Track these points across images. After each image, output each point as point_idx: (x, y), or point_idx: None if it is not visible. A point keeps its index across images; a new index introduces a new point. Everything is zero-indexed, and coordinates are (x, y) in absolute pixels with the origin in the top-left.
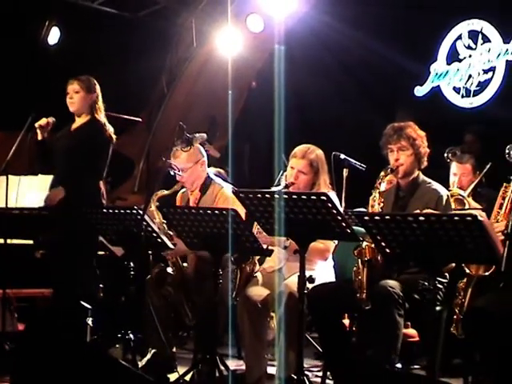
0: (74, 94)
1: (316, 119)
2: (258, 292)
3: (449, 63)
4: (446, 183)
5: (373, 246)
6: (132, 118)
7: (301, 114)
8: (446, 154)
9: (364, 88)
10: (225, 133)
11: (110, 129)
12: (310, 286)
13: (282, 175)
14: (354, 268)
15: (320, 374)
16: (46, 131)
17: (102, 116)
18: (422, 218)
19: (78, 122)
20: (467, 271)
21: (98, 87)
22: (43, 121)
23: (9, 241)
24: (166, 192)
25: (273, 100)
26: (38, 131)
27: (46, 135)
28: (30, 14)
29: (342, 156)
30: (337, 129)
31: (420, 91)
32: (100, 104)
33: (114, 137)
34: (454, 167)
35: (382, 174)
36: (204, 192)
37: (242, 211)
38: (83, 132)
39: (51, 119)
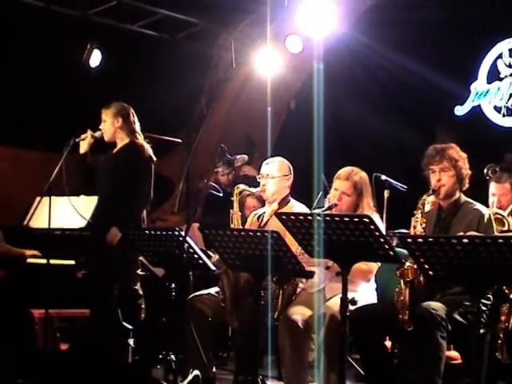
0: (103, 123)
1: (355, 140)
2: (299, 312)
3: (489, 82)
4: (486, 204)
5: (415, 266)
6: (172, 138)
7: (339, 134)
8: (485, 171)
9: (403, 108)
10: (263, 153)
11: (149, 150)
12: (351, 307)
13: (321, 196)
14: (396, 289)
15: None
16: (87, 143)
17: (140, 138)
18: (465, 241)
19: (118, 146)
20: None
21: (128, 111)
22: (84, 135)
23: (51, 261)
24: (248, 189)
25: (311, 120)
26: (80, 143)
27: (86, 148)
28: (71, 37)
29: (383, 177)
30: (376, 149)
31: (460, 111)
32: (135, 127)
33: (154, 158)
34: (493, 187)
35: (425, 196)
36: (282, 208)
37: None
38: (122, 155)
39: (90, 132)
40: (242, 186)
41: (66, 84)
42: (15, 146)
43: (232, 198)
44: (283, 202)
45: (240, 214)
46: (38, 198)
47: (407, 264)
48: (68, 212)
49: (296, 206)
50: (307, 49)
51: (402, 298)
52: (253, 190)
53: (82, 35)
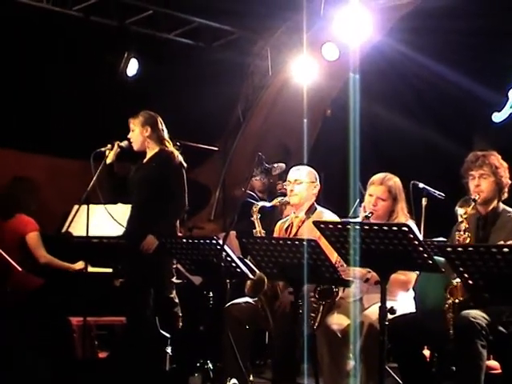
0: (131, 133)
1: (391, 147)
2: (337, 322)
3: None
4: None
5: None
6: (208, 146)
7: (375, 142)
8: None
9: (440, 115)
10: (298, 161)
11: (179, 157)
12: (390, 316)
13: (358, 204)
14: (445, 306)
15: None
16: (114, 153)
17: (169, 146)
18: (505, 250)
19: (148, 155)
20: None
21: (156, 120)
22: (110, 145)
23: (89, 269)
24: (267, 204)
25: (347, 128)
26: (107, 153)
27: (113, 158)
28: (109, 46)
29: (421, 185)
30: (412, 157)
31: (498, 117)
32: (164, 134)
33: (184, 164)
34: None
35: (468, 209)
36: (309, 216)
37: None
38: (153, 163)
39: (117, 142)
40: (260, 203)
41: (103, 93)
42: (53, 154)
43: (253, 218)
44: (310, 210)
45: (264, 231)
46: (75, 207)
47: (455, 281)
48: (105, 220)
49: (325, 213)
50: (343, 56)
51: (450, 314)
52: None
53: (119, 45)
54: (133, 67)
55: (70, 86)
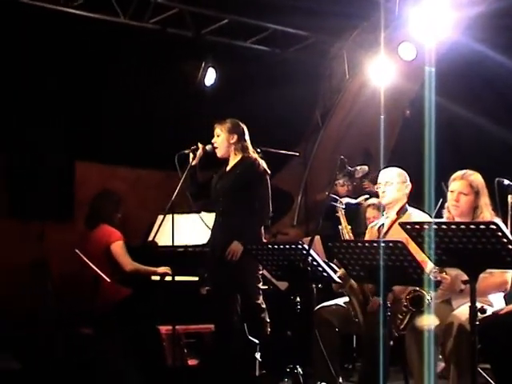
0: (217, 137)
1: (470, 148)
2: (427, 322)
3: None
4: None
5: None
6: (289, 152)
7: (454, 142)
8: None
9: None
10: (379, 164)
11: (263, 164)
12: (480, 316)
13: (441, 203)
14: None
15: None
16: (198, 156)
17: (252, 153)
18: None
19: (231, 163)
20: None
21: (241, 128)
22: (195, 147)
23: (176, 278)
24: (352, 201)
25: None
26: (191, 155)
27: (197, 161)
28: (186, 57)
29: (506, 182)
30: (491, 158)
31: None
32: (247, 143)
33: (268, 171)
34: None
35: None
36: (400, 217)
37: None
38: (237, 171)
39: (201, 145)
40: (346, 200)
41: (182, 104)
42: (135, 166)
43: (338, 214)
44: (401, 210)
45: (350, 227)
46: (160, 216)
47: None
48: (188, 229)
49: (414, 214)
50: (421, 56)
51: None
52: (374, 200)
53: (196, 55)
54: (211, 76)
55: (148, 99)
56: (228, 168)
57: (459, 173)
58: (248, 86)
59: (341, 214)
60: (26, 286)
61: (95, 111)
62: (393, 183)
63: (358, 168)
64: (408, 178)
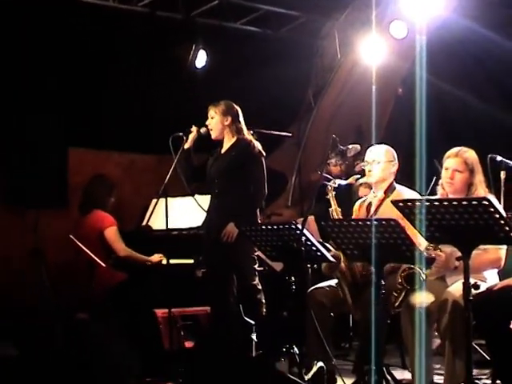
0: (211, 119)
1: (461, 125)
2: (421, 299)
3: None
4: None
5: None
6: (282, 133)
7: (444, 120)
8: None
9: (510, 92)
10: (372, 142)
11: (258, 145)
12: (474, 292)
13: (435, 182)
14: None
15: (488, 382)
16: (192, 139)
17: (247, 134)
18: None
19: (226, 145)
20: None
21: (235, 109)
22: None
23: (171, 261)
24: (343, 182)
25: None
26: (185, 138)
27: (191, 143)
28: (176, 39)
29: (499, 158)
30: (482, 134)
31: None
32: (241, 124)
33: (263, 153)
34: None
35: None
36: (388, 195)
37: None
38: (232, 153)
39: (196, 128)
40: (337, 181)
41: (173, 87)
42: (127, 151)
43: (328, 196)
44: (389, 189)
45: (340, 209)
46: (153, 200)
47: None
48: (182, 212)
49: (404, 192)
50: (412, 34)
51: None
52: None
53: (186, 37)
54: (201, 58)
55: (139, 83)
56: (223, 150)
57: (454, 150)
58: (240, 68)
59: (331, 196)
60: (24, 275)
61: (87, 97)
62: (380, 162)
63: (350, 147)
64: (396, 157)
